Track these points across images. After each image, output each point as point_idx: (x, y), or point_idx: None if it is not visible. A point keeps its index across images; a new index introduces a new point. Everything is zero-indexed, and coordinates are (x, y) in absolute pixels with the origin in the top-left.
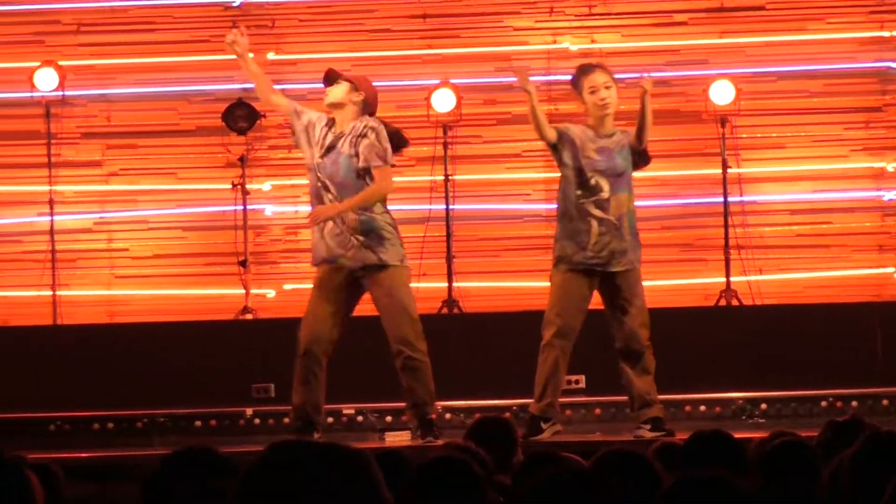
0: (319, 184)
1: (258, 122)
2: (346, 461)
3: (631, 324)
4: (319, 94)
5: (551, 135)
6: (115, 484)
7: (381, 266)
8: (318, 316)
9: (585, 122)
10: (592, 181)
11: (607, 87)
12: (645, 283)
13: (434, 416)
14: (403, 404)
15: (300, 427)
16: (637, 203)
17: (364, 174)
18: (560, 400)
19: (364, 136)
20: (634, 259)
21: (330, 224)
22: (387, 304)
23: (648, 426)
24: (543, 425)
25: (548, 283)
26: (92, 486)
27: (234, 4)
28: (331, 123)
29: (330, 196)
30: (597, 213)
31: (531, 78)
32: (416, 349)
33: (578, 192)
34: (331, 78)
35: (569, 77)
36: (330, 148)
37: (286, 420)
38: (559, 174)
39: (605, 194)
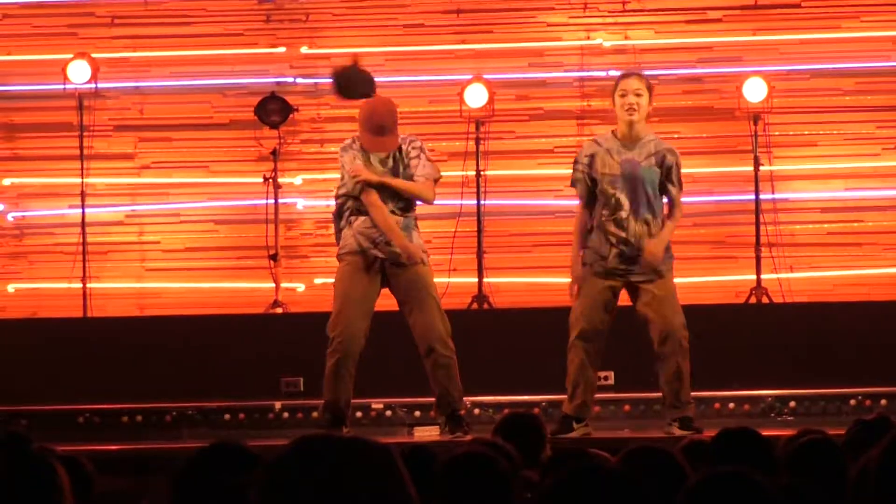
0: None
1: (290, 115)
2: (371, 456)
3: (660, 326)
4: None
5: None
6: (144, 477)
7: (413, 264)
8: (352, 313)
9: (615, 127)
10: (613, 200)
11: (637, 94)
12: (676, 280)
13: (463, 411)
14: (432, 399)
15: (330, 422)
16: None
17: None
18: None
19: (414, 156)
20: (664, 270)
21: (362, 218)
22: (419, 301)
23: (677, 423)
24: (575, 425)
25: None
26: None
27: None
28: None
29: (390, 206)
30: (616, 232)
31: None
32: (447, 346)
33: (604, 212)
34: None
35: (602, 73)
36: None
37: (314, 414)
38: None
39: (625, 213)
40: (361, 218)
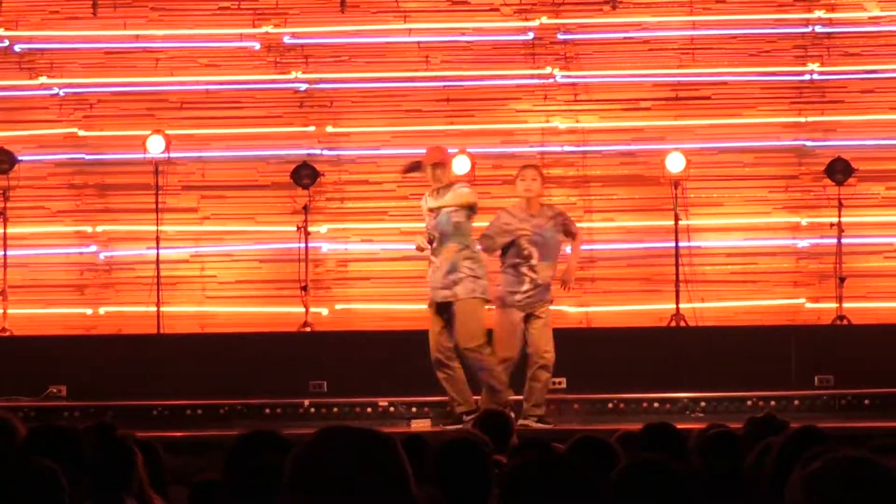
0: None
1: (318, 179)
2: (378, 443)
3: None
4: (367, 160)
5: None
6: (202, 457)
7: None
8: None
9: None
10: (525, 251)
11: (533, 180)
12: (612, 309)
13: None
14: (426, 398)
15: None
16: (607, 247)
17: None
18: (546, 397)
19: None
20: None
21: None
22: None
23: (535, 419)
24: (465, 417)
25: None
26: (185, 458)
27: (301, 89)
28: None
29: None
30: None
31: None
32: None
33: (516, 260)
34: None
35: (558, 149)
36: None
37: (335, 409)
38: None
39: (535, 260)
40: None
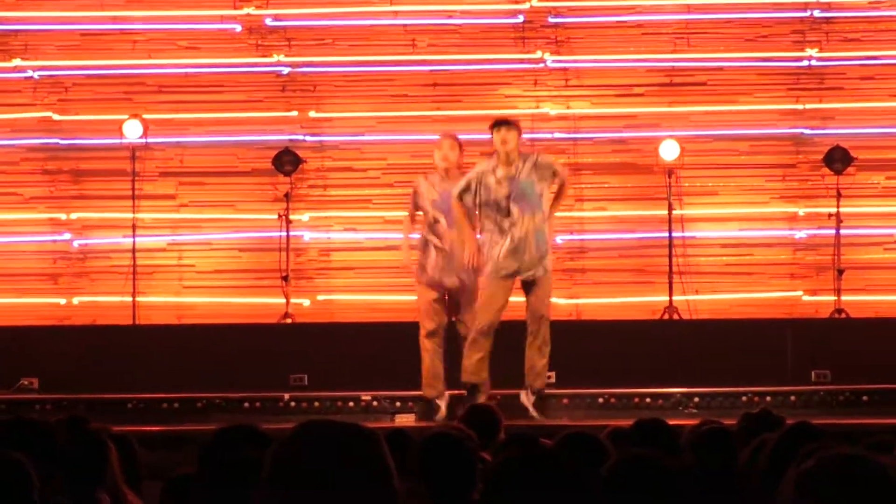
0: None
1: (300, 166)
2: (360, 437)
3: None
4: (351, 146)
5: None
6: (179, 452)
7: None
8: None
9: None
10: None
11: (451, 149)
12: (603, 301)
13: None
14: (410, 393)
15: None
16: (599, 237)
17: None
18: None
19: None
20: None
21: None
22: None
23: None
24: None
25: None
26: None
27: (283, 73)
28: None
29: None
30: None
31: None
32: None
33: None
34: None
35: (548, 135)
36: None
37: (316, 403)
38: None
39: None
40: None
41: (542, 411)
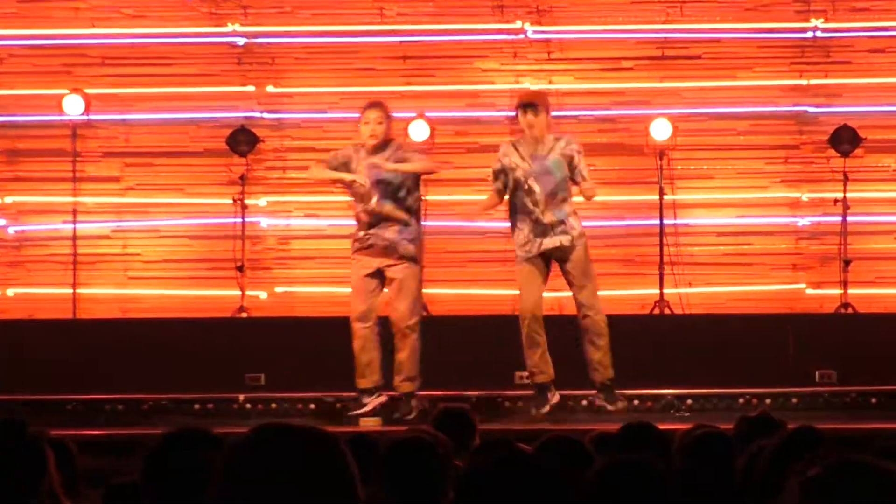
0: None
1: (257, 146)
2: (318, 442)
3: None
4: (313, 124)
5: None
6: (122, 458)
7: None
8: None
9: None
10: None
11: (378, 123)
12: None
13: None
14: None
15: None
16: (584, 224)
17: None
18: (513, 393)
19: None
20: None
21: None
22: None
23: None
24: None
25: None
26: (102, 459)
27: (239, 44)
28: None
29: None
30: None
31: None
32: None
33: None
34: None
35: None
36: None
37: (273, 405)
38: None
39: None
40: None
41: (611, 402)
